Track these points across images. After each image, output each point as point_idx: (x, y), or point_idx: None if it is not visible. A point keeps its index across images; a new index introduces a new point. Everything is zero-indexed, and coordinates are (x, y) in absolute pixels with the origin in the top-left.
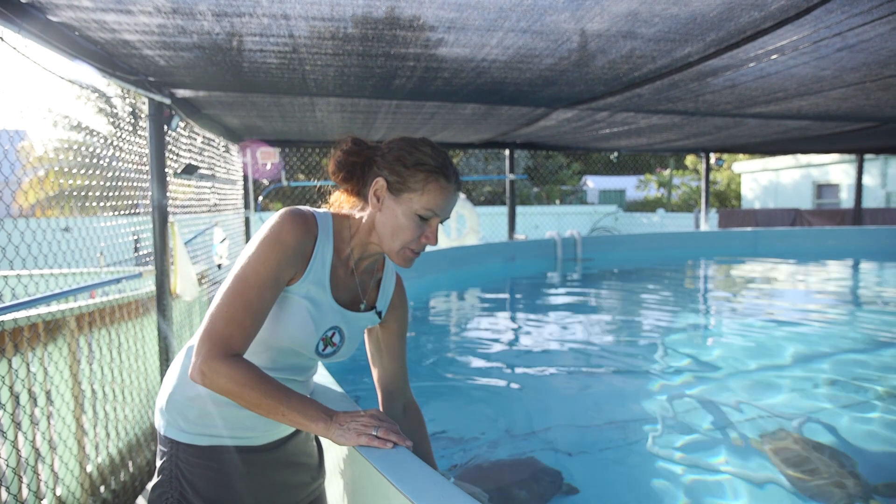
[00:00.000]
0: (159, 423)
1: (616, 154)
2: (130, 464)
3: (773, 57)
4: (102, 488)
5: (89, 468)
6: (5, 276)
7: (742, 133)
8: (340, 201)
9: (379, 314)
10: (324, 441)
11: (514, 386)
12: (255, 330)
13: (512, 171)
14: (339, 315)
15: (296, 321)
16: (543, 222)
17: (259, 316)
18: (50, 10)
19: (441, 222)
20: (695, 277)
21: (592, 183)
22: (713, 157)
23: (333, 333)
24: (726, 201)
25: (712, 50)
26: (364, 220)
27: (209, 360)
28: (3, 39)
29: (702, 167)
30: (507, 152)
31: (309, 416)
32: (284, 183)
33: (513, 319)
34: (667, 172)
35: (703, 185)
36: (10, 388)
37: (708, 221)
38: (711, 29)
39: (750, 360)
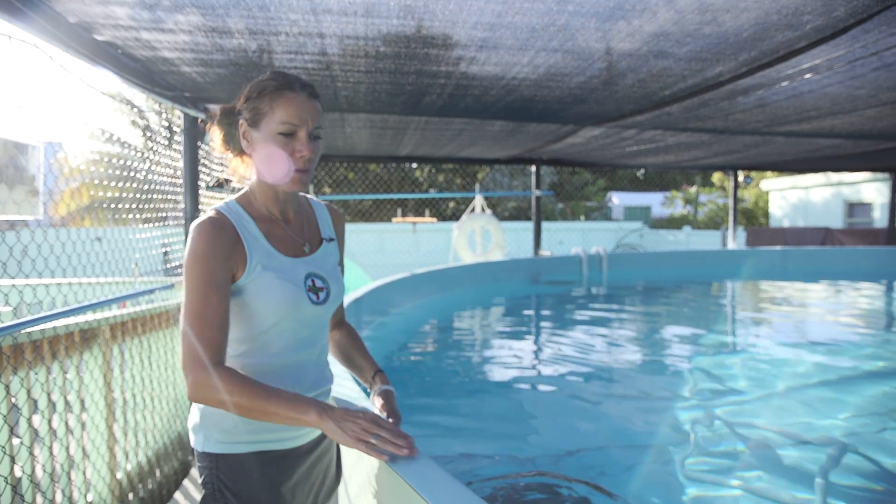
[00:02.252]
0: (195, 441)
1: (643, 171)
2: (158, 472)
3: (807, 76)
4: (131, 495)
5: (119, 475)
6: (46, 285)
7: (772, 151)
8: (246, 175)
9: (331, 240)
10: (344, 452)
11: (539, 404)
12: (218, 335)
13: (538, 187)
14: (303, 264)
15: (273, 292)
16: (568, 238)
17: (216, 322)
18: (96, 29)
19: (313, 138)
20: (722, 297)
21: (618, 199)
22: (741, 175)
23: (313, 281)
24: (754, 219)
25: (744, 69)
26: (254, 172)
27: (192, 376)
28: (52, 58)
29: (729, 184)
30: (533, 168)
31: (300, 409)
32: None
33: (538, 336)
34: (693, 189)
35: (730, 202)
36: (49, 395)
37: (735, 239)
38: (744, 49)
39: (778, 383)
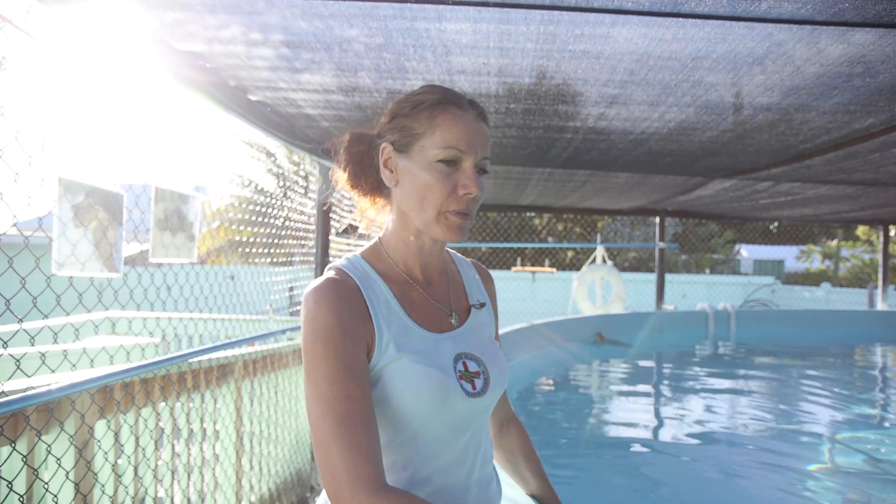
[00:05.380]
0: None
1: (776, 223)
2: None
3: None
4: None
5: None
6: (194, 320)
7: None
8: (375, 221)
9: (482, 305)
10: None
11: (656, 468)
12: (373, 442)
13: (662, 238)
14: (450, 342)
15: (413, 384)
16: (692, 292)
17: (366, 423)
18: (251, 90)
19: (481, 171)
20: (869, 363)
21: (747, 252)
22: (893, 230)
23: (464, 364)
24: None
25: None
26: (392, 218)
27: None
28: (231, 134)
29: (877, 238)
30: (657, 220)
31: None
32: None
33: (658, 395)
34: (833, 243)
35: (880, 258)
36: (189, 423)
37: (886, 299)
38: None
39: None
